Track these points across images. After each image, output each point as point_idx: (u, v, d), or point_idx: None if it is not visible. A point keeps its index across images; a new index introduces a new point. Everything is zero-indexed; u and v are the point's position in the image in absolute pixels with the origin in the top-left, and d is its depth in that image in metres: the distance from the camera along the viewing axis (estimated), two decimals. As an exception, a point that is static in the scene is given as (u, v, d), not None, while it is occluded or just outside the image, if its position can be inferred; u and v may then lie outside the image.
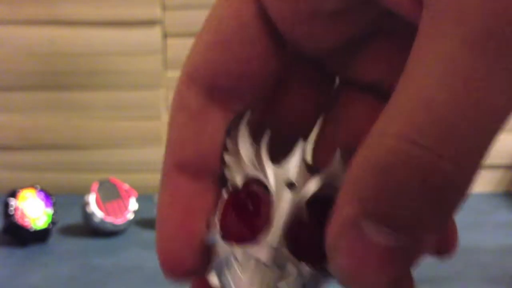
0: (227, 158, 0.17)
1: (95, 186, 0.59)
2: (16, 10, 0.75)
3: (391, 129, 0.13)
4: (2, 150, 0.78)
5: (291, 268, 0.15)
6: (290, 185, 0.16)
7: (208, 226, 0.17)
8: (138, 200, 0.60)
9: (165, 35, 0.76)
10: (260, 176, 0.16)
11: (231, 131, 0.17)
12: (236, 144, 0.17)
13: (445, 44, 0.12)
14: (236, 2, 0.16)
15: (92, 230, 0.58)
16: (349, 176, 0.14)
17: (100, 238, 0.57)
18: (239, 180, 0.16)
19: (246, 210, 0.16)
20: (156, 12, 0.75)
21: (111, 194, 0.59)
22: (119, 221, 0.58)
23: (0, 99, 0.77)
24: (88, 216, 0.58)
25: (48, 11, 0.75)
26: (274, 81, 0.17)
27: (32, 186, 0.57)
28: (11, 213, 0.54)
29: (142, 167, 0.76)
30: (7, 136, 0.77)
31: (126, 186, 0.61)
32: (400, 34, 0.16)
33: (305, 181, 0.16)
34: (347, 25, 0.16)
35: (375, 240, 0.13)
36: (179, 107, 0.17)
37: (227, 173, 0.17)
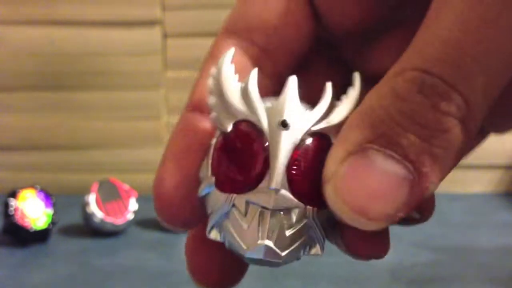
0: (212, 100, 0.16)
1: (95, 186, 0.59)
2: (16, 10, 0.75)
3: (409, 64, 0.13)
4: (2, 150, 0.78)
5: (296, 212, 0.15)
6: (284, 124, 0.15)
7: (201, 179, 0.16)
8: (138, 200, 0.60)
9: (165, 35, 0.76)
10: (251, 118, 0.15)
11: (216, 69, 0.16)
12: (220, 83, 0.16)
13: None
14: None
15: (92, 230, 0.58)
16: (362, 106, 0.14)
17: (100, 239, 0.57)
18: (228, 124, 0.15)
19: (240, 156, 0.15)
20: (156, 12, 0.75)
21: (111, 195, 0.59)
22: (119, 221, 0.58)
23: (0, 99, 0.77)
24: (88, 217, 0.58)
25: (48, 11, 0.75)
26: (300, 54, 0.17)
27: (32, 186, 0.57)
28: (11, 213, 0.54)
29: (142, 167, 0.76)
30: (7, 136, 0.77)
31: (126, 186, 0.61)
32: (412, 29, 0.16)
33: (299, 118, 0.15)
34: (374, 4, 0.17)
35: (382, 167, 0.13)
36: (213, 60, 0.17)
37: (213, 117, 0.15)
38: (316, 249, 0.15)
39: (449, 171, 0.13)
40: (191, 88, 0.17)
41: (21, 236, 0.55)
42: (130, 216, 0.59)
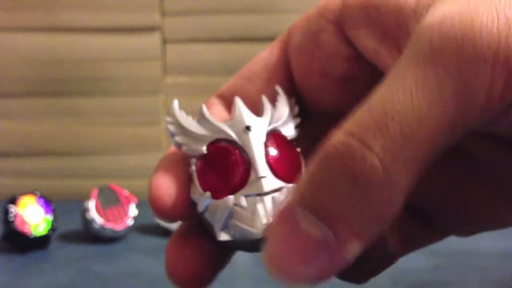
0: (178, 139, 0.19)
1: (95, 192, 0.59)
2: (15, 17, 0.75)
3: (342, 128, 0.14)
4: (1, 156, 0.78)
5: (284, 190, 0.17)
6: (248, 128, 0.18)
7: (195, 200, 0.18)
8: (138, 206, 0.60)
9: (164, 41, 0.76)
10: (219, 136, 0.18)
11: (169, 116, 0.19)
12: (179, 123, 0.19)
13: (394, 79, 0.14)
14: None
15: (92, 236, 0.58)
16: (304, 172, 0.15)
17: (100, 244, 0.57)
18: (201, 148, 0.18)
19: (223, 166, 0.18)
20: (155, 18, 0.75)
21: (110, 200, 0.59)
22: (119, 227, 0.58)
23: (-1, 106, 0.77)
24: (87, 222, 0.57)
25: (47, 18, 0.75)
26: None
27: (31, 192, 0.57)
28: (10, 220, 0.54)
29: (142, 173, 0.76)
30: (7, 142, 0.78)
31: (125, 192, 0.61)
32: None
33: (257, 122, 0.18)
34: (352, 91, 0.19)
35: (306, 230, 0.14)
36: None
37: (185, 150, 0.18)
38: None
39: (372, 237, 0.14)
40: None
41: (21, 243, 0.55)
42: (130, 222, 0.59)
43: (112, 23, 0.75)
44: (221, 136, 0.18)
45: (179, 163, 0.19)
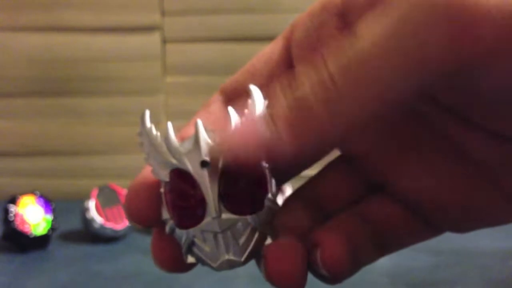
0: (147, 158, 0.20)
1: (95, 192, 0.59)
2: (15, 17, 0.75)
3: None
4: (1, 156, 0.78)
5: (240, 224, 0.18)
6: (204, 164, 0.18)
7: (165, 221, 0.19)
8: (137, 205, 0.60)
9: (164, 41, 0.76)
10: (179, 166, 0.18)
11: (139, 131, 0.20)
12: (148, 143, 0.20)
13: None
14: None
15: (92, 236, 0.58)
16: None
17: (100, 244, 0.57)
18: (164, 175, 0.19)
19: (183, 198, 0.18)
20: (155, 17, 0.75)
21: (110, 200, 0.59)
22: (119, 227, 0.58)
23: (-1, 106, 0.77)
24: (87, 222, 0.57)
25: (47, 18, 0.75)
26: None
27: (31, 192, 0.57)
28: (10, 220, 0.54)
29: (142, 173, 0.76)
30: (7, 142, 0.78)
31: (125, 191, 0.61)
32: (391, 126, 0.20)
33: (214, 151, 0.18)
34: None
35: (256, 120, 0.18)
36: (205, 108, 0.21)
37: (153, 172, 0.19)
38: (269, 241, 0.19)
39: (306, 142, 0.16)
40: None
41: (21, 242, 0.55)
42: (130, 221, 0.59)
43: (112, 23, 0.75)
44: (181, 166, 0.18)
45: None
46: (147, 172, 0.20)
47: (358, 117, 0.16)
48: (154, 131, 0.19)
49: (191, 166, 0.18)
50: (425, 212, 0.20)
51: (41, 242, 0.56)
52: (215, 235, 0.18)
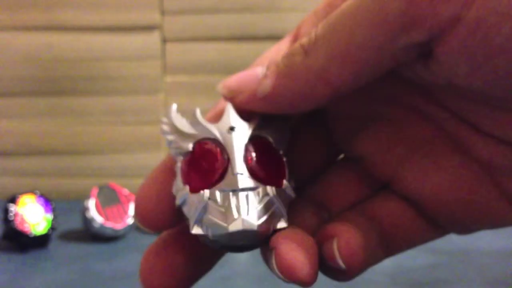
0: (169, 137, 0.20)
1: (95, 191, 0.59)
2: (15, 16, 0.75)
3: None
4: (1, 155, 0.78)
5: (259, 190, 0.18)
6: (232, 129, 0.19)
7: (175, 193, 0.19)
8: (137, 205, 0.60)
9: (164, 40, 0.76)
10: (206, 135, 0.19)
11: (165, 117, 0.20)
12: (172, 123, 0.20)
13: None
14: None
15: (92, 235, 0.58)
16: None
17: (100, 243, 0.57)
18: (188, 145, 0.19)
19: (205, 162, 0.19)
20: (155, 17, 0.75)
21: (110, 199, 0.59)
22: (118, 226, 0.58)
23: (-1, 105, 0.77)
24: (87, 221, 0.57)
25: (47, 17, 0.75)
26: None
27: (31, 191, 0.57)
28: (10, 219, 0.54)
29: (142, 172, 0.76)
30: (7, 141, 0.77)
31: (125, 191, 0.61)
32: (393, 124, 0.20)
33: (242, 124, 0.19)
34: (367, 99, 0.20)
35: (254, 70, 0.19)
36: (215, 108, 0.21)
37: (174, 147, 0.19)
38: (282, 223, 0.18)
39: (284, 84, 0.18)
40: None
41: (21, 242, 0.55)
42: (129, 221, 0.59)
43: (112, 22, 0.75)
44: (207, 135, 0.19)
45: (166, 176, 0.19)
46: (153, 177, 0.20)
47: (328, 67, 0.17)
48: (180, 117, 0.20)
49: (219, 132, 0.19)
50: (429, 211, 0.20)
51: (41, 241, 0.56)
52: (234, 192, 0.18)
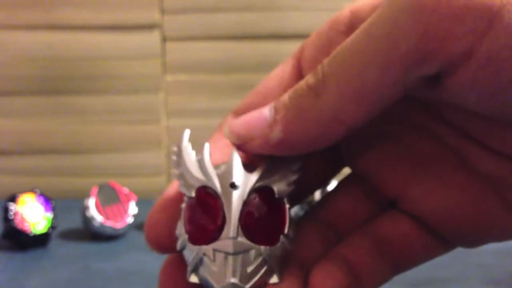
0: (176, 171, 0.20)
1: (95, 190, 0.59)
2: (14, 15, 0.75)
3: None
4: (1, 154, 0.78)
5: (252, 252, 0.18)
6: (233, 186, 0.19)
7: (178, 236, 0.19)
8: (137, 204, 0.60)
9: (164, 39, 0.76)
10: (208, 184, 0.19)
11: (176, 146, 0.21)
12: (181, 159, 0.20)
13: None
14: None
15: (92, 234, 0.58)
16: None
17: (100, 242, 0.57)
18: (191, 191, 0.19)
19: (204, 216, 0.19)
20: (155, 16, 0.75)
21: (110, 198, 0.59)
22: (118, 225, 0.58)
23: (-1, 104, 0.77)
24: (87, 220, 0.57)
25: (46, 16, 0.75)
26: None
27: (31, 190, 0.57)
28: (10, 218, 0.54)
29: (142, 171, 0.76)
30: (6, 140, 0.77)
31: (125, 190, 0.61)
32: (399, 141, 0.20)
33: (245, 179, 0.19)
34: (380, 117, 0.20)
35: (262, 110, 0.19)
36: (220, 130, 0.21)
37: (179, 185, 0.20)
38: (274, 278, 0.19)
39: (297, 129, 0.18)
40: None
41: (21, 241, 0.55)
42: (129, 220, 0.59)
43: (111, 21, 0.75)
44: (209, 184, 0.19)
45: (176, 201, 0.20)
46: (164, 201, 0.20)
47: (342, 107, 0.17)
48: (190, 150, 0.20)
49: (220, 186, 0.19)
50: (437, 227, 0.20)
51: (41, 240, 0.56)
52: (226, 256, 0.18)
